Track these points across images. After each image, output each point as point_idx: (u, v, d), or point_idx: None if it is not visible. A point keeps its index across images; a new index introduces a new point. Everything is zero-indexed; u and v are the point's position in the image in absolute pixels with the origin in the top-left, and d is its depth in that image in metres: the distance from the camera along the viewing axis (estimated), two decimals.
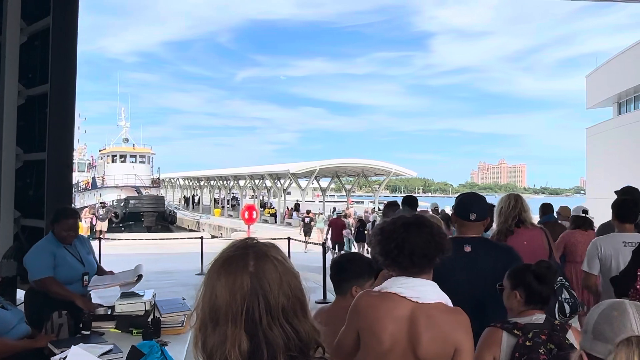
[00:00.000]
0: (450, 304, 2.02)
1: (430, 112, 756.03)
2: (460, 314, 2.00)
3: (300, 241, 13.15)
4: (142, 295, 3.58)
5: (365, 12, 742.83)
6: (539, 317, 2.28)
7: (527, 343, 2.13)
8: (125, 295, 3.56)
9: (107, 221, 23.46)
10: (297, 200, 44.52)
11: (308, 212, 26.31)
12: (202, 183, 55.57)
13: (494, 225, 4.45)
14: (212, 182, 52.29)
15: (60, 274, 3.82)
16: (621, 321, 1.30)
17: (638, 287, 3.44)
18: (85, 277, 3.94)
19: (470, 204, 3.01)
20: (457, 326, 1.95)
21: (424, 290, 1.99)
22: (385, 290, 2.02)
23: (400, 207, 6.34)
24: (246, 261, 1.20)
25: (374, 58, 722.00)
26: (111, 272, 4.19)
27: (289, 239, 12.44)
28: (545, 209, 6.88)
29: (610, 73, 25.48)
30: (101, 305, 3.70)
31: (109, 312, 3.48)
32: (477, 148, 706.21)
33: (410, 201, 6.21)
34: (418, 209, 5.69)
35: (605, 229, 4.71)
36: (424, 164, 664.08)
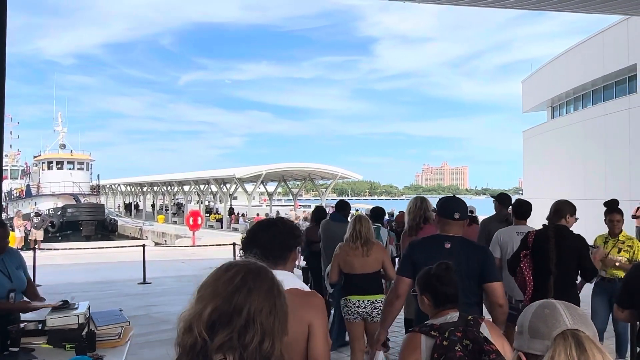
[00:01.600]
0: (306, 289, 2.28)
1: (376, 116, 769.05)
2: (313, 296, 2.26)
3: None
4: (76, 308, 3.40)
5: (311, 17, 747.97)
6: (453, 316, 2.37)
7: (444, 342, 2.22)
8: (57, 309, 3.37)
9: (42, 230, 22.40)
10: (231, 206, 44.35)
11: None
12: (145, 189, 54.14)
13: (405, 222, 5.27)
14: (155, 188, 51.02)
15: None
16: (554, 317, 1.39)
17: (522, 266, 4.27)
18: (12, 294, 3.61)
19: (455, 205, 3.35)
20: (309, 307, 2.17)
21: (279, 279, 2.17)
22: None
23: (329, 213, 7.30)
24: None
25: (320, 62, 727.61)
26: (41, 299, 3.88)
27: (234, 244, 12.27)
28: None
29: (544, 78, 26.67)
30: (36, 308, 3.48)
31: (40, 327, 3.29)
32: (421, 151, 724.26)
33: (341, 206, 6.93)
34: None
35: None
36: (370, 167, 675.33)
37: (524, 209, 5.35)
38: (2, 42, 6.27)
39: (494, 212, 6.27)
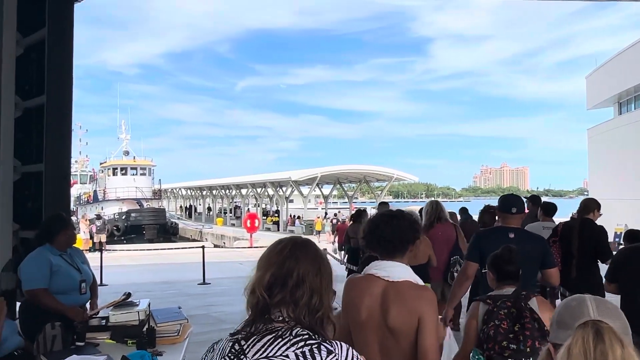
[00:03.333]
0: (420, 283, 2.36)
1: (431, 117, 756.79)
2: (425, 290, 2.34)
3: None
4: (137, 305, 3.51)
5: (364, 19, 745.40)
6: (508, 290, 2.89)
7: (494, 309, 2.76)
8: (119, 305, 3.49)
9: (105, 233, 23.42)
10: (266, 205, 44.97)
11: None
12: (204, 192, 55.56)
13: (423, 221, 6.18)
14: (214, 192, 52.28)
15: (57, 282, 3.76)
16: (579, 309, 1.43)
17: (552, 251, 4.52)
18: (83, 285, 3.88)
19: (512, 201, 3.92)
20: (421, 300, 2.26)
21: (394, 271, 2.35)
22: (366, 273, 2.43)
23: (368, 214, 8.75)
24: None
25: (373, 64, 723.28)
26: (94, 302, 4.13)
27: None
28: (462, 212, 9.07)
29: (610, 73, 25.42)
30: (94, 314, 3.63)
31: (104, 323, 3.42)
32: (479, 152, 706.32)
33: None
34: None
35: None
36: (426, 168, 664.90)
37: (550, 208, 6.70)
38: (70, 55, 6.58)
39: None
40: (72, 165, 63.78)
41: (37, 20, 6.56)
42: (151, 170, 43.56)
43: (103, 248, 18.02)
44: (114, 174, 41.73)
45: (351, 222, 9.57)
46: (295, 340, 1.44)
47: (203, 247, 13.35)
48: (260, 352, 1.43)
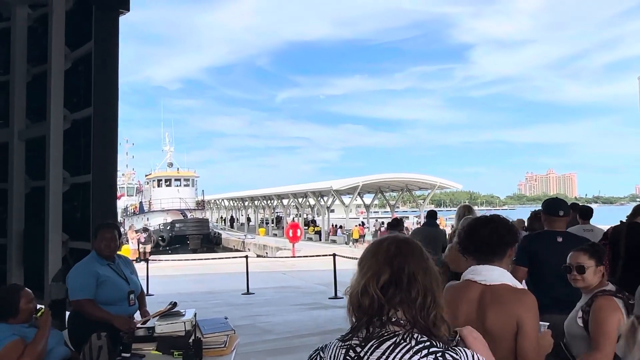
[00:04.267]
0: (519, 286, 2.35)
1: (473, 124, 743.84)
2: (524, 294, 2.29)
3: (348, 257, 12.77)
4: (183, 315, 3.43)
5: (402, 28, 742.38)
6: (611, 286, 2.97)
7: (631, 301, 2.65)
8: (165, 315, 3.41)
9: (150, 244, 23.88)
10: (310, 216, 45.01)
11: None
12: (246, 203, 56.11)
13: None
14: (256, 202, 52.74)
15: (105, 292, 3.72)
16: None
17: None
18: (132, 296, 3.84)
19: (558, 204, 3.97)
20: (519, 304, 2.21)
21: (490, 274, 2.32)
22: (464, 279, 2.43)
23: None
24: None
25: (413, 72, 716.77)
26: (145, 311, 4.06)
27: (334, 255, 12.21)
28: (430, 216, 8.83)
29: None
30: (143, 323, 3.57)
31: (149, 333, 3.34)
32: (523, 159, 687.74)
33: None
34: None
35: None
36: (469, 176, 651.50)
37: (587, 211, 7.02)
38: (115, 67, 6.67)
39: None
40: (119, 178, 65.60)
41: (84, 33, 6.69)
42: (194, 182, 44.33)
43: (148, 258, 18.28)
44: (158, 186, 42.66)
45: (387, 230, 9.54)
46: (418, 347, 1.38)
47: (247, 256, 13.34)
48: (382, 358, 1.39)
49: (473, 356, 1.42)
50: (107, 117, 6.65)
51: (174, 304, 3.52)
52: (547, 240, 3.79)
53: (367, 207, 44.12)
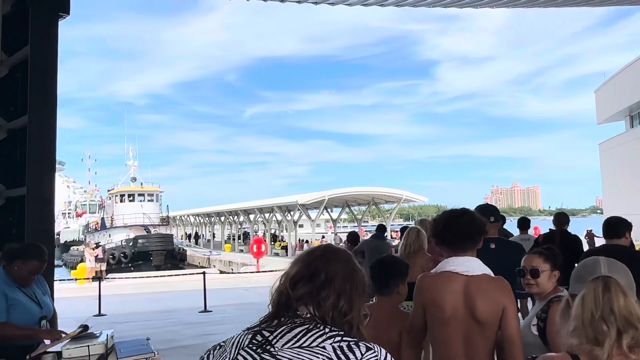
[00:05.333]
0: (492, 274, 2.51)
1: (440, 139, 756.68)
2: (502, 281, 2.51)
3: None
4: (97, 337, 3.08)
5: (369, 45, 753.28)
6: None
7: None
8: (77, 338, 3.05)
9: (104, 262, 23.08)
10: (275, 231, 44.75)
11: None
12: (212, 219, 55.27)
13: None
14: (222, 218, 51.98)
15: (14, 318, 3.27)
16: (593, 267, 1.84)
17: None
18: (43, 322, 3.40)
19: (489, 209, 4.05)
20: (502, 291, 2.45)
21: (471, 265, 2.49)
22: (441, 270, 2.53)
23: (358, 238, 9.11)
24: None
25: (380, 88, 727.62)
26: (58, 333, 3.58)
27: None
28: (379, 229, 9.37)
29: (620, 86, 24.94)
30: (65, 333, 3.19)
31: (57, 358, 2.97)
32: (489, 172, 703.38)
33: (380, 228, 9.01)
34: None
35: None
36: (436, 190, 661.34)
37: (525, 222, 7.51)
38: (54, 73, 6.33)
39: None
40: (81, 195, 63.68)
41: (20, 38, 6.32)
42: (159, 197, 43.36)
43: (103, 277, 17.59)
44: (121, 201, 41.53)
45: (348, 244, 9.54)
46: (332, 333, 1.36)
47: (204, 273, 12.87)
48: (292, 342, 1.35)
49: (387, 354, 1.38)
50: (44, 126, 6.28)
51: (85, 327, 3.15)
52: (481, 247, 3.78)
53: (334, 221, 43.91)
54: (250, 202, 46.45)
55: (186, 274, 16.81)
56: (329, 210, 42.48)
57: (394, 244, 10.56)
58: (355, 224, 46.25)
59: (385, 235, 9.27)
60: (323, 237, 36.30)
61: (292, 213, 39.20)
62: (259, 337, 1.38)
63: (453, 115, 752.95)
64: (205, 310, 11.79)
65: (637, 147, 23.06)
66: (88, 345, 2.89)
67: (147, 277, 18.55)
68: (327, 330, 1.37)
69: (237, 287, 17.34)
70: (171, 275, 19.62)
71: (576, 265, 1.97)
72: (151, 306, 13.11)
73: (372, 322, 1.93)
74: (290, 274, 1.48)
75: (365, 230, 46.15)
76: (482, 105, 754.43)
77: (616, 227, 4.36)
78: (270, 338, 1.37)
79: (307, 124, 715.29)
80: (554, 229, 6.46)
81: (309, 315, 1.41)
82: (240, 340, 1.40)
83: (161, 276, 19.78)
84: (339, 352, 1.32)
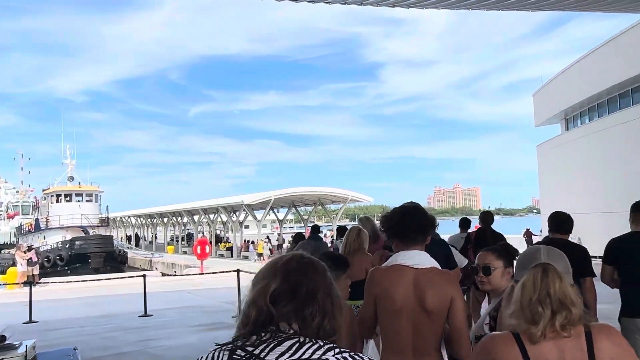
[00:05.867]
0: (439, 267, 2.65)
1: (385, 141, 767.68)
2: (449, 274, 2.67)
3: (254, 273, 12.17)
4: (16, 348, 2.75)
5: (316, 46, 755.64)
6: None
7: None
8: None
9: (38, 265, 21.81)
10: (220, 232, 44.23)
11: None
12: (154, 220, 53.78)
13: None
14: (164, 219, 50.65)
15: None
16: (534, 255, 1.98)
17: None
18: None
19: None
20: (449, 283, 2.58)
21: (420, 259, 2.61)
22: (392, 264, 2.65)
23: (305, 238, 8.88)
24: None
25: (327, 89, 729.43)
26: None
27: (238, 271, 11.59)
28: (314, 230, 9.48)
29: (556, 90, 25.96)
30: None
31: None
32: (432, 173, 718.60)
33: (314, 229, 9.13)
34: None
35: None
36: (382, 191, 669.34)
37: (466, 222, 8.00)
38: None
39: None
40: (13, 195, 60.30)
41: None
42: (98, 197, 41.62)
43: (35, 281, 16.62)
44: (57, 201, 39.53)
45: (293, 244, 9.43)
46: (328, 346, 1.28)
47: (144, 275, 12.35)
48: (288, 354, 1.26)
49: None
50: None
51: (2, 338, 2.81)
52: None
53: (281, 221, 43.65)
54: (194, 202, 45.49)
55: (126, 277, 16.11)
56: (275, 210, 42.18)
57: (330, 244, 10.58)
58: (302, 225, 46.17)
59: (320, 235, 9.57)
60: (268, 237, 35.92)
61: (237, 214, 38.66)
62: (240, 352, 1.27)
63: (398, 117, 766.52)
64: (146, 315, 11.31)
65: (572, 149, 24.04)
66: (2, 359, 2.56)
67: (84, 280, 17.61)
68: (321, 343, 1.28)
69: (179, 290, 16.82)
70: (110, 279, 18.77)
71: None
72: (88, 311, 12.46)
73: None
74: (270, 289, 1.34)
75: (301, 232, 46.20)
76: (426, 107, 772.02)
77: (563, 222, 4.51)
78: (256, 352, 1.26)
79: (254, 124, 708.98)
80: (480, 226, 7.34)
81: (292, 332, 1.30)
82: (215, 357, 1.29)
83: (99, 279, 18.85)
84: None
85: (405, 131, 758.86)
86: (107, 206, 42.75)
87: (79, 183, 40.99)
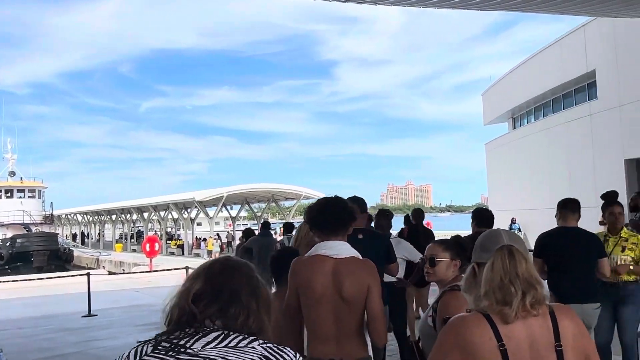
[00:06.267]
0: (360, 257, 2.74)
1: (339, 138, 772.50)
2: (368, 263, 2.73)
3: None
4: None
5: (271, 42, 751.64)
6: None
7: None
8: None
9: None
10: (171, 229, 43.64)
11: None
12: (102, 218, 52.22)
13: None
14: (113, 217, 49.23)
15: None
16: (496, 238, 2.19)
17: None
18: None
19: (358, 201, 4.23)
20: (367, 272, 2.68)
21: (340, 249, 2.72)
22: (313, 254, 2.75)
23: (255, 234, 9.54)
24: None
25: (281, 86, 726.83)
26: None
27: (187, 268, 11.35)
28: (264, 226, 10.08)
29: (504, 90, 26.66)
30: None
31: None
32: (385, 171, 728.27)
33: (265, 225, 9.90)
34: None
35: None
36: (335, 188, 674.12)
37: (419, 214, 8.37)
38: None
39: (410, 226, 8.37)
40: None
41: None
42: (41, 193, 40.05)
43: None
44: None
45: (243, 239, 9.74)
46: (253, 337, 1.32)
47: (88, 274, 11.90)
48: (214, 343, 1.27)
49: (296, 355, 1.35)
50: None
51: None
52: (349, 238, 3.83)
53: (234, 218, 43.17)
54: (144, 199, 44.38)
55: (70, 276, 15.51)
56: (228, 207, 41.67)
57: (278, 239, 10.51)
58: (255, 222, 45.83)
59: (270, 231, 10.12)
60: (218, 235, 35.49)
61: (189, 210, 37.97)
62: (165, 344, 1.28)
63: (352, 115, 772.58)
64: (90, 315, 10.89)
65: (518, 147, 24.77)
66: None
67: (25, 280, 16.85)
68: (246, 335, 1.32)
69: (127, 289, 16.32)
70: (54, 278, 18.05)
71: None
72: (27, 312, 11.90)
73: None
74: (192, 290, 1.37)
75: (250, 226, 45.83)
76: (379, 106, 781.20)
77: (491, 218, 5.03)
78: (181, 343, 1.28)
79: (207, 120, 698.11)
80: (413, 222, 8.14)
81: (216, 327, 1.32)
82: (139, 351, 1.28)
83: (42, 279, 18.11)
84: (270, 351, 1.30)
85: (359, 129, 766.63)
86: (52, 203, 41.32)
87: (21, 178, 39.38)
